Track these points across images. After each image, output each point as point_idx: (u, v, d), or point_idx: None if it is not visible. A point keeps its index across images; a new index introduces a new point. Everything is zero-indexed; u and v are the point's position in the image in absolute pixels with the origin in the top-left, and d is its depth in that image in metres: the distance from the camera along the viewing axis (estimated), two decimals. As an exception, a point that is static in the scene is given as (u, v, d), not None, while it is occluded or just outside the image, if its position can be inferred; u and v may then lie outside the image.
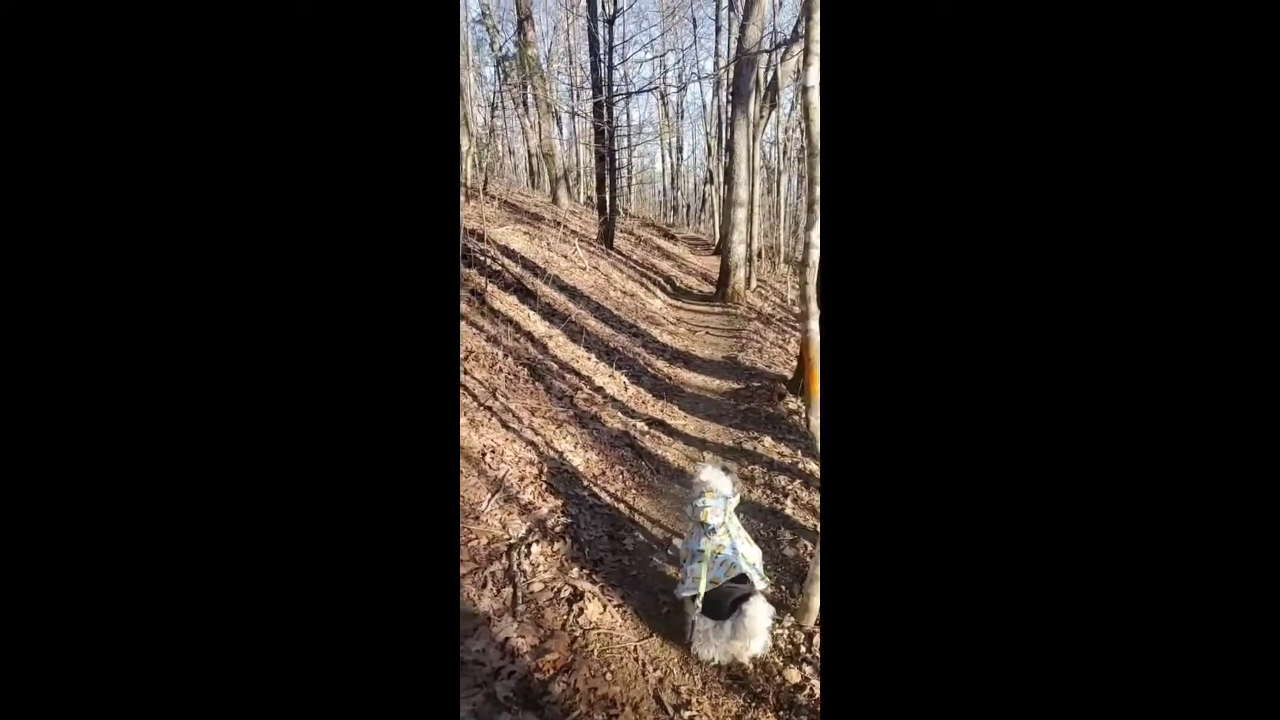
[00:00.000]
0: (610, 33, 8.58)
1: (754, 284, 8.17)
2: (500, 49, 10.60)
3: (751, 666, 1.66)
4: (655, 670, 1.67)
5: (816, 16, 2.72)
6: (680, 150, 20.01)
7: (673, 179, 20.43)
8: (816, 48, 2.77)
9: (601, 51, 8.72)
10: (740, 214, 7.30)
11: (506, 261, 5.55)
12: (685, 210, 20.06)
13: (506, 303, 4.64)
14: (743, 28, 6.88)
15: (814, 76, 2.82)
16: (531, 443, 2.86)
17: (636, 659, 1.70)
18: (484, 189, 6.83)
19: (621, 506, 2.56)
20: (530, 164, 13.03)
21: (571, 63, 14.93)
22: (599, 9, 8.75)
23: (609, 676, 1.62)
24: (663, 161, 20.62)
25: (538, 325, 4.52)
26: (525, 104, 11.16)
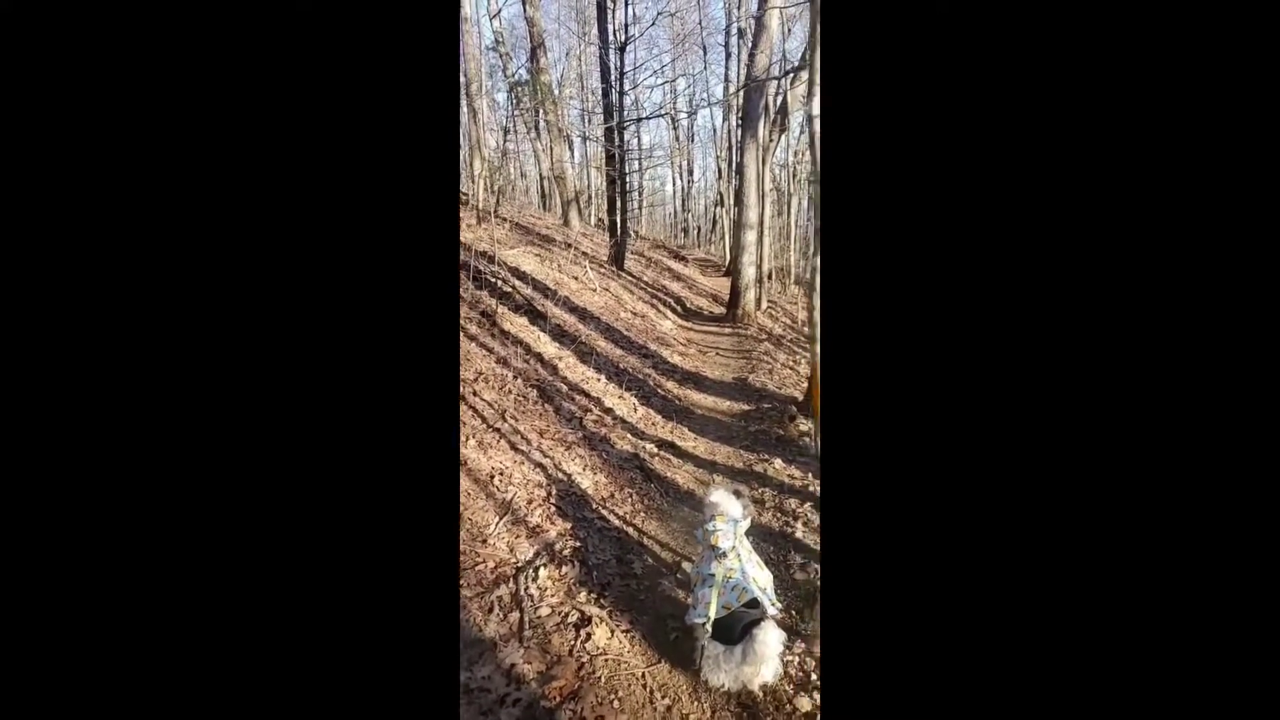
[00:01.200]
0: (621, 59, 8.77)
1: (764, 305, 8.16)
2: (513, 75, 10.86)
3: (762, 694, 1.62)
4: (664, 698, 1.63)
5: (820, 49, 2.76)
6: (691, 173, 20.23)
7: (683, 201, 20.62)
8: (819, 78, 2.81)
9: (612, 78, 8.90)
10: (750, 236, 7.34)
11: (517, 283, 5.61)
12: (695, 232, 20.20)
13: (517, 324, 4.68)
14: (751, 55, 7.00)
15: (818, 106, 2.86)
16: (540, 465, 2.85)
17: (644, 686, 1.67)
18: (495, 211, 6.93)
19: (630, 529, 2.53)
20: (541, 187, 13.23)
21: (583, 88, 15.24)
22: (610, 36, 8.96)
23: (616, 704, 1.59)
24: (673, 184, 20.85)
25: (548, 347, 4.54)
26: (537, 128, 11.39)
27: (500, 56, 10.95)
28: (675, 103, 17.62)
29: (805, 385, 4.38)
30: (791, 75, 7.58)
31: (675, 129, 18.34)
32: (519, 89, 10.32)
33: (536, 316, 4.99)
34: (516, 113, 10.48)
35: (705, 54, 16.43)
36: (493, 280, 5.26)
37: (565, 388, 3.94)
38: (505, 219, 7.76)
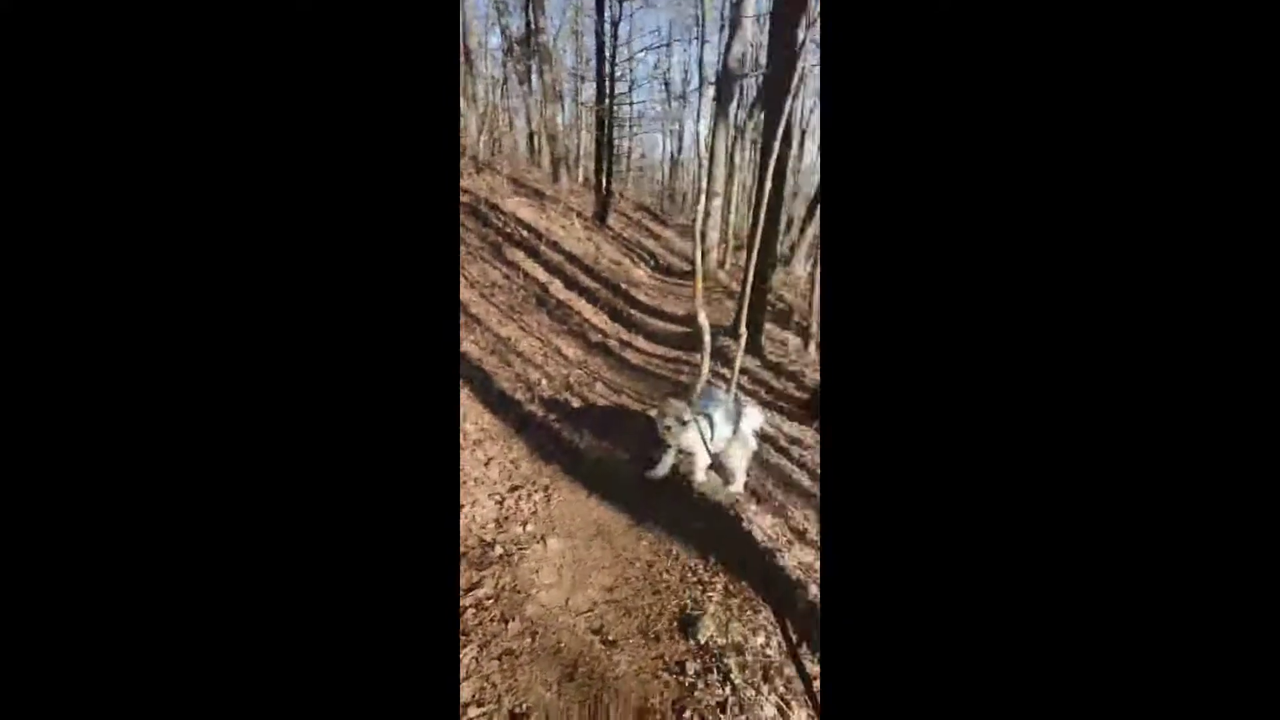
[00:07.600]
0: (615, 28, 9.62)
1: (727, 265, 9.44)
2: (509, 32, 11.18)
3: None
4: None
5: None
6: (681, 138, 20.91)
7: (671, 168, 21.35)
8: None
9: (606, 37, 9.68)
10: (715, 203, 8.58)
11: (515, 225, 6.76)
12: (682, 199, 20.95)
13: (517, 255, 5.87)
14: (728, 46, 8.08)
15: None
16: (541, 339, 4.12)
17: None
18: (490, 163, 7.86)
19: (601, 400, 3.83)
20: (531, 143, 13.70)
21: (579, 44, 15.77)
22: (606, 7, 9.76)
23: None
24: (662, 150, 21.45)
25: (540, 273, 5.76)
26: (529, 84, 11.93)
27: (497, 10, 11.40)
28: (669, 69, 18.27)
29: (733, 315, 5.68)
30: (762, 74, 8.66)
31: (668, 93, 18.95)
32: (516, 47, 10.97)
33: (532, 251, 6.17)
34: (511, 66, 10.99)
35: (702, 26, 16.98)
36: (497, 221, 6.40)
37: (554, 301, 5.19)
38: (499, 170, 8.76)
